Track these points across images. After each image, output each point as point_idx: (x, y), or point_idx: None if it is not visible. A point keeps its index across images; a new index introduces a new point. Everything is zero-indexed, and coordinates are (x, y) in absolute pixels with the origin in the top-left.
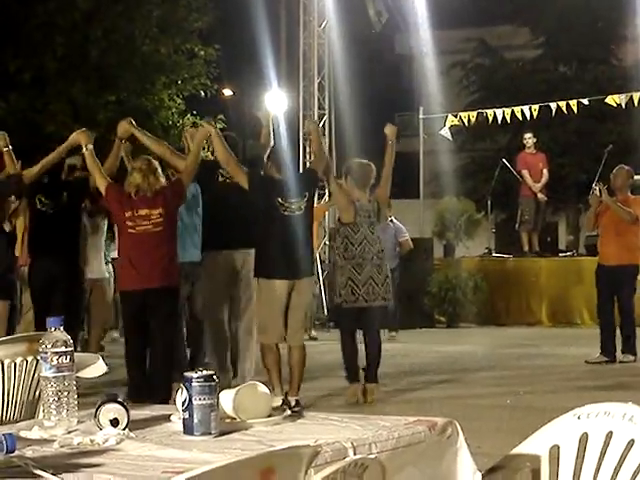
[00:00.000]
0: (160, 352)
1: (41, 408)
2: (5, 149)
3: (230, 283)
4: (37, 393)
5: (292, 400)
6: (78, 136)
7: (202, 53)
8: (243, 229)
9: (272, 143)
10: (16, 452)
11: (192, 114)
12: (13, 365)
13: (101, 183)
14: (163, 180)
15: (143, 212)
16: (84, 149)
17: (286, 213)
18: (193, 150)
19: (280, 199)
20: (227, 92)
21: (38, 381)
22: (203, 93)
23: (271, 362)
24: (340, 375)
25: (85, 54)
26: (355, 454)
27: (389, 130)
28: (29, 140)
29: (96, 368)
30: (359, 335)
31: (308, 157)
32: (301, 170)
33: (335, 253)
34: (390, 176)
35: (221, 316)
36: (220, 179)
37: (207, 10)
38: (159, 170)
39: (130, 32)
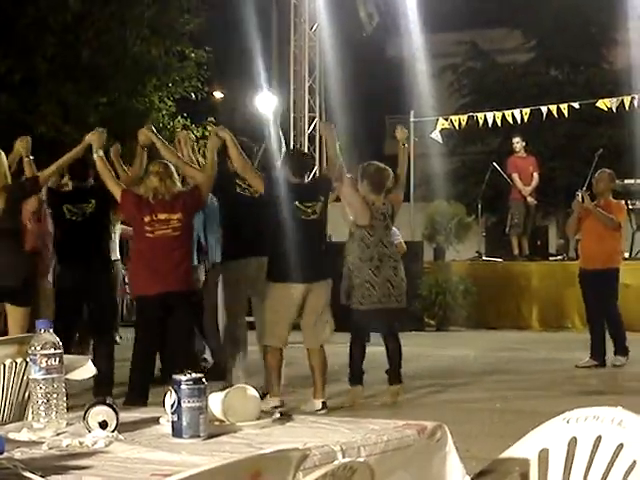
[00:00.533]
0: (180, 355)
1: (30, 410)
2: (26, 159)
3: (248, 292)
4: (26, 395)
5: (317, 403)
6: (91, 138)
7: (193, 55)
8: (261, 239)
9: (283, 146)
10: (5, 454)
11: (183, 116)
12: (2, 367)
13: (115, 189)
14: (179, 184)
15: (162, 216)
16: (94, 153)
17: (303, 217)
18: (209, 160)
19: (297, 203)
20: (218, 94)
21: (27, 383)
22: (194, 95)
23: (274, 362)
24: (339, 379)
25: (76, 55)
26: (344, 457)
27: (400, 134)
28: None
29: (85, 370)
30: (375, 338)
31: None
32: (316, 175)
33: (350, 255)
34: (404, 179)
35: (239, 325)
36: (238, 190)
37: (198, 12)
38: (175, 174)
39: (121, 33)
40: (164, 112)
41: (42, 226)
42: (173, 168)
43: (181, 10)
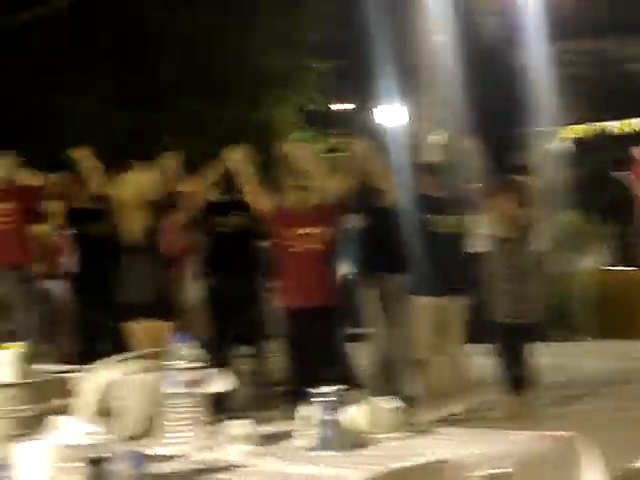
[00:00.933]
0: (322, 370)
1: (169, 424)
2: (90, 165)
3: (387, 306)
4: (165, 409)
5: (455, 410)
6: (231, 154)
7: (317, 66)
8: (400, 253)
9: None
10: (145, 469)
11: (306, 128)
12: (141, 381)
13: (265, 203)
14: (320, 197)
15: (305, 231)
16: (238, 170)
17: (439, 230)
18: (352, 170)
19: (433, 216)
20: (342, 106)
21: (165, 397)
22: (317, 107)
23: (426, 375)
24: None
25: (200, 66)
26: (484, 468)
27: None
28: (143, 152)
29: (223, 383)
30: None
31: None
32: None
33: (489, 267)
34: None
35: (382, 339)
36: (378, 203)
37: (323, 23)
38: (315, 188)
39: (246, 45)
40: (288, 124)
41: (184, 238)
42: (312, 181)
43: (305, 21)
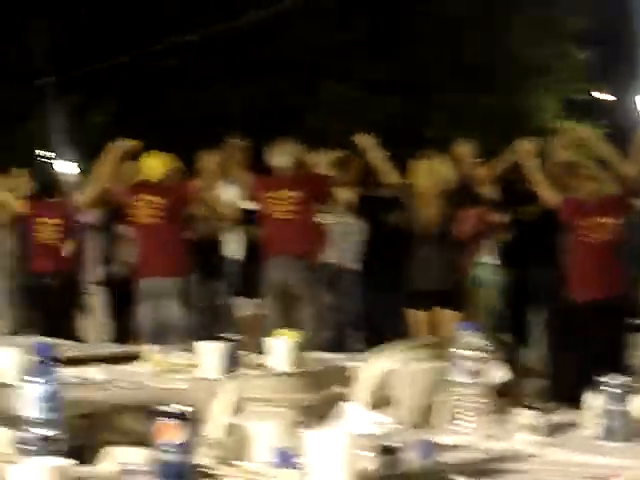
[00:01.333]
0: (607, 361)
1: (455, 413)
2: (377, 154)
3: None
4: (450, 398)
5: None
6: (523, 146)
7: (579, 55)
8: None
9: None
10: (433, 458)
11: (569, 118)
12: (418, 370)
13: (550, 194)
14: (610, 186)
15: (599, 220)
16: (526, 161)
17: None
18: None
19: None
20: (606, 96)
21: (451, 386)
22: (580, 96)
23: None
24: None
25: (463, 57)
26: None
27: None
28: (409, 145)
29: (503, 374)
30: None
31: None
32: None
33: None
34: None
35: None
36: None
37: (586, 11)
38: (605, 176)
39: (508, 33)
40: (549, 114)
41: (479, 227)
42: (600, 169)
43: (568, 10)
